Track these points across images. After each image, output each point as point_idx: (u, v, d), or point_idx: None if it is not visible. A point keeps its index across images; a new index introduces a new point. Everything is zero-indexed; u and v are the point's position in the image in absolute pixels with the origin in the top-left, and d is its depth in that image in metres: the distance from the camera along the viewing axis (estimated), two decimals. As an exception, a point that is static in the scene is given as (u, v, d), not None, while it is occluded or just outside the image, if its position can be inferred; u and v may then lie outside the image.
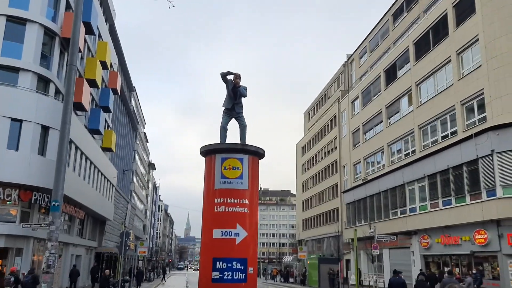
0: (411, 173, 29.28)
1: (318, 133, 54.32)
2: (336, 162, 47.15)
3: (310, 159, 57.27)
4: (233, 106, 9.52)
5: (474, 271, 20.83)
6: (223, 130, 9.43)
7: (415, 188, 28.93)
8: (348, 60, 48.87)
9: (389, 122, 34.86)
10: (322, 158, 52.55)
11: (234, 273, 8.12)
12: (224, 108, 9.60)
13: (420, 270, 26.98)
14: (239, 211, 8.46)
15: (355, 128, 41.90)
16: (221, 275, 8.08)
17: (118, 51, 40.82)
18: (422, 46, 30.26)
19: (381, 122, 36.16)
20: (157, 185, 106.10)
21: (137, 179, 61.47)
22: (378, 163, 36.71)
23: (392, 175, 31.93)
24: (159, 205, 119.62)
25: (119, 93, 38.98)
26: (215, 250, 8.24)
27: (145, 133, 72.42)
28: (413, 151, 30.47)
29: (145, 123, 73.75)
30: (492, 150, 21.63)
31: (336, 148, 47.54)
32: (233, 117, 9.61)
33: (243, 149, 8.86)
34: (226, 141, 9.31)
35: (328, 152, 50.17)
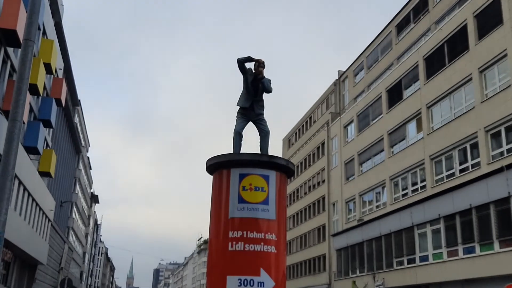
0: (422, 213, 28.45)
1: (302, 163, 53.41)
2: (323, 198, 46.11)
3: (291, 195, 55.99)
4: (252, 105, 8.10)
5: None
6: (238, 136, 7.90)
7: (427, 231, 28.08)
8: (340, 78, 48.62)
9: (392, 152, 34.24)
10: (305, 193, 51.46)
11: None
12: (239, 108, 8.17)
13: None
14: (263, 250, 6.91)
15: (349, 158, 41.15)
16: None
17: (64, 54, 38.98)
18: (435, 62, 30.01)
19: (382, 151, 35.51)
20: (98, 222, 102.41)
21: (76, 214, 58.50)
22: (378, 200, 35.84)
23: (398, 215, 31.05)
24: (99, 247, 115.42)
25: (63, 105, 36.95)
26: (230, 307, 6.69)
27: (88, 158, 69.72)
28: (423, 187, 29.76)
29: (89, 146, 71.14)
30: (528, 186, 21.05)
31: (323, 181, 46.60)
32: (250, 120, 8.17)
33: (270, 162, 7.33)
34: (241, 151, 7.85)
35: (314, 186, 49.16)
